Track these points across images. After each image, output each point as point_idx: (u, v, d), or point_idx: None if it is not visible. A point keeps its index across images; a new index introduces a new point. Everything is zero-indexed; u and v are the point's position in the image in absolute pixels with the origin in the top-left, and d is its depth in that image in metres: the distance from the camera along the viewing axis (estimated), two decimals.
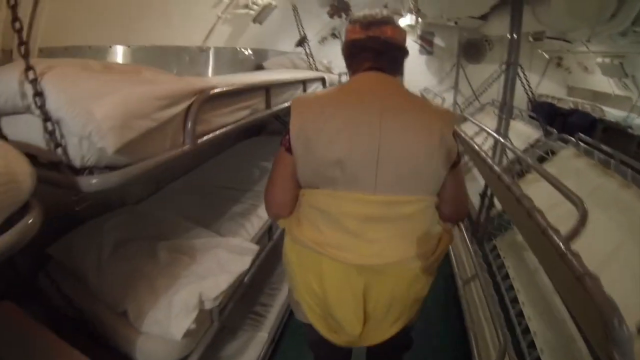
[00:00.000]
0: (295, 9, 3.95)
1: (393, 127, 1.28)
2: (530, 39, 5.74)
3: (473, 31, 6.84)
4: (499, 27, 5.36)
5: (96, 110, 1.07)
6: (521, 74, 4.14)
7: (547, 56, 7.10)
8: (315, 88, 3.32)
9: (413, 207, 1.37)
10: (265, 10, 3.44)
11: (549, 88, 7.23)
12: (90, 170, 1.15)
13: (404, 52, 1.45)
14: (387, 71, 1.40)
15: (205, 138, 1.63)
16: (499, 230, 3.42)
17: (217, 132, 1.74)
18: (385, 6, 5.35)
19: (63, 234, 1.95)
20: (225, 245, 2.13)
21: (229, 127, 1.85)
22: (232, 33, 3.52)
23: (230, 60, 3.78)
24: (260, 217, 2.61)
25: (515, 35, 3.24)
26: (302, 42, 4.30)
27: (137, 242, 2.03)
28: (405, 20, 6.27)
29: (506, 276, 2.88)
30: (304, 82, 3.03)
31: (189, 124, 1.48)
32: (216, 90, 1.64)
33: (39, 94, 1.08)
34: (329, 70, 4.31)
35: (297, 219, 1.46)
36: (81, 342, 1.43)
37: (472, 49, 7.18)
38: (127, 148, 1.16)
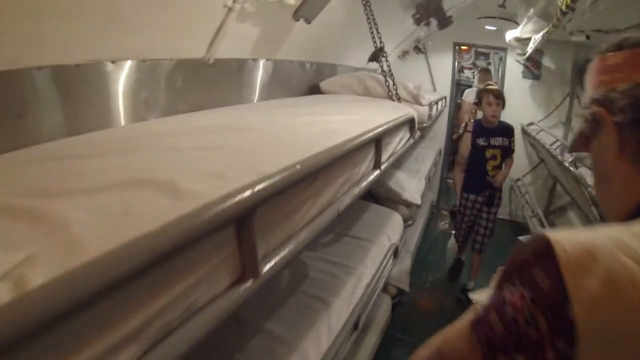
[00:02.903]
0: (366, 3, 2.46)
1: None
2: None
3: (593, 49, 5.11)
4: None
5: None
6: None
7: None
8: (399, 144, 1.84)
9: None
10: None
11: None
12: None
13: None
14: None
15: None
16: None
17: None
18: (503, 5, 3.79)
19: None
20: None
21: None
22: (261, 37, 2.11)
23: (263, 78, 2.39)
24: None
25: None
26: (378, 55, 2.80)
27: None
28: (514, 32, 4.67)
29: None
30: (378, 142, 1.50)
31: None
32: None
33: None
34: (416, 100, 2.76)
35: None
36: None
37: None
38: None
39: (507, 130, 3.70)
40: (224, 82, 2.04)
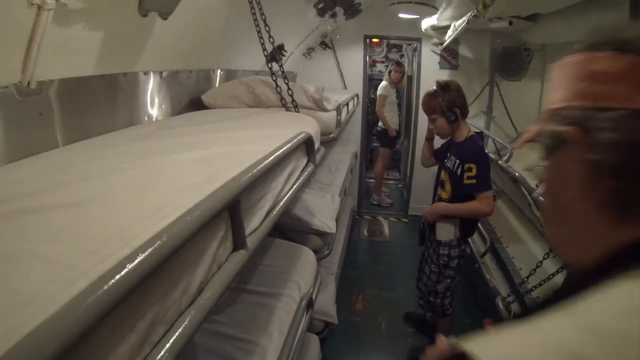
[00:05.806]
0: None
1: None
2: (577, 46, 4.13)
3: (509, 37, 5.02)
4: (555, 31, 3.66)
5: None
6: None
7: None
8: (286, 185, 1.24)
9: None
10: None
11: None
12: None
13: None
14: None
15: None
16: None
17: None
18: None
19: None
20: None
21: None
22: (107, 44, 1.50)
23: (120, 99, 1.75)
24: None
25: None
26: (275, 55, 2.30)
27: None
28: (430, 21, 4.35)
29: None
30: (234, 208, 0.85)
31: None
32: None
33: None
34: (319, 105, 2.25)
35: None
36: None
37: (509, 61, 5.29)
38: None
39: (464, 151, 2.46)
40: (59, 112, 1.41)
